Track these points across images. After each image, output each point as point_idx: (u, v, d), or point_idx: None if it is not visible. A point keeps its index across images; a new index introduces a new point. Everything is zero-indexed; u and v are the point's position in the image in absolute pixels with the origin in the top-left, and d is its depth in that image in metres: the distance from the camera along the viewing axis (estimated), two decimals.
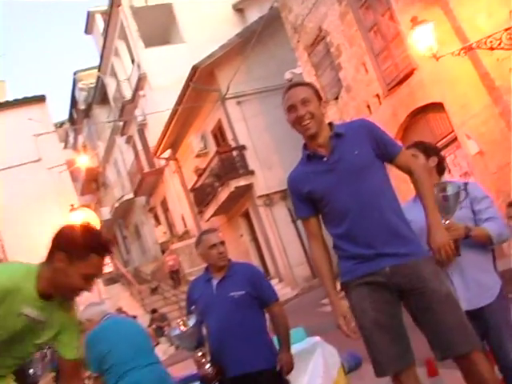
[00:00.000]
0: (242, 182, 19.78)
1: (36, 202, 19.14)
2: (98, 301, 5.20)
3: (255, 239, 21.05)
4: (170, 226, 28.77)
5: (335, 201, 3.02)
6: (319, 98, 3.18)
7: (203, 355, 4.08)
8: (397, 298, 2.98)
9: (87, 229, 2.80)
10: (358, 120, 3.34)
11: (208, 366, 4.05)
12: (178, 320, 4.19)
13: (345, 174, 3.00)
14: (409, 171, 3.12)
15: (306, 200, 3.11)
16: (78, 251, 2.72)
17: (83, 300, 3.82)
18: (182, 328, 4.02)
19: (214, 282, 4.24)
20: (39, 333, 2.88)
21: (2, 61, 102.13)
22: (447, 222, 3.24)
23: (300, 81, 2.99)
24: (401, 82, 12.82)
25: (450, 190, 3.24)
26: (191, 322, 4.00)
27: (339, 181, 3.00)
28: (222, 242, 4.31)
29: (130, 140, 30.68)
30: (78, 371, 3.02)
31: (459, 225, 3.25)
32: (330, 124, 3.18)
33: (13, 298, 2.73)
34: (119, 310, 18.73)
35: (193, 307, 4.14)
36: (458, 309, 2.96)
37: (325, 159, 3.08)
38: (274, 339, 4.30)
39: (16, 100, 20.96)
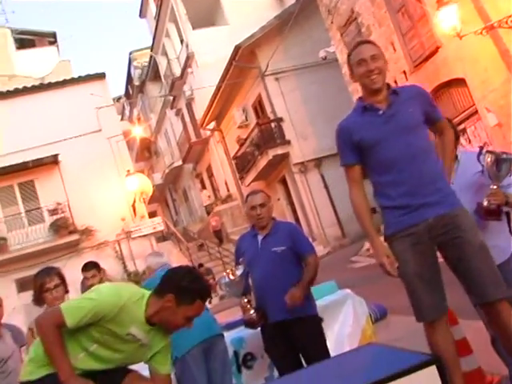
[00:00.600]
0: (279, 150, 19.73)
1: (97, 168, 19.39)
2: (160, 252, 5.21)
3: (291, 203, 21.04)
4: (215, 190, 28.87)
5: (387, 149, 2.99)
6: (385, 58, 3.15)
7: (248, 302, 4.11)
8: (435, 250, 2.96)
9: (195, 277, 2.93)
10: (411, 85, 3.34)
11: (252, 311, 4.08)
12: (227, 270, 4.22)
13: (398, 127, 2.98)
14: (441, 133, 3.15)
15: (354, 148, 3.08)
16: (186, 297, 2.84)
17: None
18: (231, 277, 4.05)
19: (259, 237, 4.22)
20: (139, 353, 2.96)
21: (69, 42, 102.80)
22: (495, 187, 3.20)
23: (368, 39, 2.96)
24: (426, 60, 12.62)
25: (503, 161, 3.19)
26: (239, 271, 4.03)
27: (392, 132, 2.99)
28: (262, 205, 4.21)
29: (179, 113, 30.71)
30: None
31: (502, 192, 3.21)
32: (387, 84, 3.14)
33: (125, 317, 2.82)
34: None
35: (241, 259, 4.14)
36: (491, 259, 2.94)
37: (381, 112, 3.04)
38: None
39: (80, 77, 21.10)
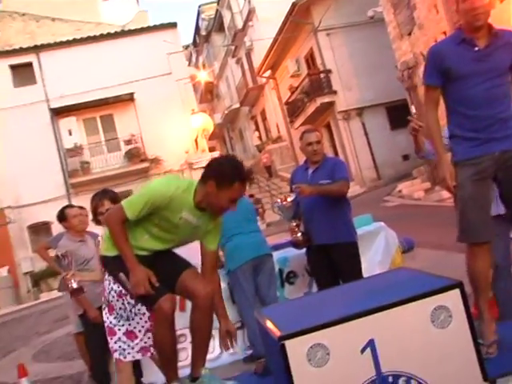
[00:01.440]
0: (326, 99, 19.44)
1: (166, 106, 19.62)
2: None
3: (333, 146, 20.84)
4: (267, 131, 28.71)
5: (472, 86, 2.80)
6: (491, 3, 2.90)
7: (297, 225, 4.11)
8: (493, 183, 2.85)
9: (233, 162, 2.84)
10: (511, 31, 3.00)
11: (299, 234, 4.10)
12: (281, 196, 4.20)
13: (489, 68, 2.79)
14: None
15: (441, 72, 2.84)
16: (225, 181, 2.77)
17: None
18: (284, 202, 4.06)
19: (310, 170, 4.19)
20: (193, 234, 3.01)
21: None
22: None
23: None
24: None
25: None
26: (291, 198, 4.03)
27: (482, 72, 2.78)
28: (318, 142, 4.15)
29: (239, 61, 30.30)
30: (216, 260, 3.17)
31: None
32: (489, 24, 2.88)
33: (176, 204, 2.83)
34: None
35: (294, 186, 4.09)
36: None
37: (476, 49, 2.81)
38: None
39: (155, 26, 21.14)
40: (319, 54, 19.96)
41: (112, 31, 21.15)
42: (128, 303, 3.03)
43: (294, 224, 4.12)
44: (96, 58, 19.53)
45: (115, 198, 3.77)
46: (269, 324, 2.42)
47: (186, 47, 37.83)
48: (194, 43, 38.93)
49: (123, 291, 2.98)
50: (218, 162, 2.87)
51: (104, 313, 3.11)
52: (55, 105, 19.54)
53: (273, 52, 22.43)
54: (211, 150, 25.01)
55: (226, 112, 32.47)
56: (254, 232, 4.37)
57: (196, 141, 20.59)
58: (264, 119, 28.85)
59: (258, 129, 29.76)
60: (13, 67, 20.01)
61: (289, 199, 4.04)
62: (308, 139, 4.16)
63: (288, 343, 2.11)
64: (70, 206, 4.78)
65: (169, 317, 2.84)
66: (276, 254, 4.64)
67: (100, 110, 19.71)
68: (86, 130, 20.11)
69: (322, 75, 19.71)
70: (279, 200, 4.15)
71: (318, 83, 19.62)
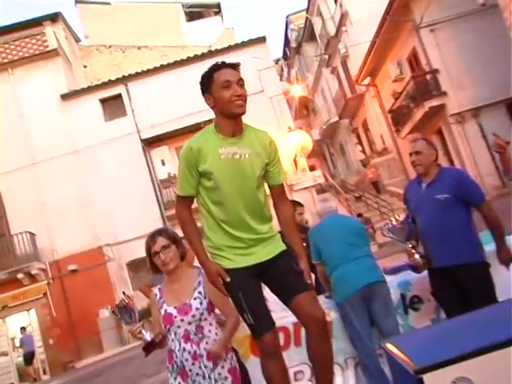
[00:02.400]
0: (435, 102, 18.82)
1: (260, 125, 19.56)
2: (326, 196, 5.17)
3: (447, 153, 20.08)
4: (370, 143, 28.34)
5: None
6: None
7: (413, 247, 3.97)
8: None
9: (208, 69, 3.10)
10: None
11: (418, 256, 3.95)
12: (391, 218, 4.11)
13: None
14: None
15: None
16: (208, 82, 3.05)
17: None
18: (394, 223, 3.95)
19: (424, 184, 4.05)
20: (249, 167, 3.06)
21: (231, 11, 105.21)
22: None
23: None
24: None
25: None
26: (401, 218, 3.95)
27: None
28: (417, 152, 4.01)
29: (334, 71, 30.32)
30: (285, 191, 3.32)
31: None
32: None
33: (207, 148, 3.02)
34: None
35: (404, 206, 4.06)
36: None
37: None
38: (482, 235, 4.04)
39: (242, 42, 21.67)
40: (423, 54, 19.48)
41: (198, 53, 21.91)
42: (205, 366, 2.97)
43: (410, 245, 3.99)
44: (184, 82, 20.26)
45: (172, 236, 3.49)
46: (400, 356, 2.33)
47: (277, 61, 38.48)
48: (285, 56, 39.53)
49: (198, 351, 2.96)
50: (202, 76, 3.13)
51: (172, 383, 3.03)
52: (146, 135, 20.48)
53: (371, 57, 22.21)
54: (311, 168, 25.02)
55: (324, 127, 32.50)
56: (361, 258, 4.29)
57: (295, 160, 20.69)
58: (366, 131, 28.54)
59: (360, 142, 29.49)
60: (103, 101, 21.24)
61: (400, 218, 3.97)
62: (410, 149, 4.09)
63: (427, 377, 2.00)
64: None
65: (274, 351, 2.89)
66: (396, 278, 4.54)
67: (192, 136, 20.41)
68: (179, 158, 20.81)
69: (428, 76, 19.19)
70: (389, 222, 4.06)
71: (424, 86, 19.12)
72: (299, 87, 27.32)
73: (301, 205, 5.82)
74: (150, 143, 20.54)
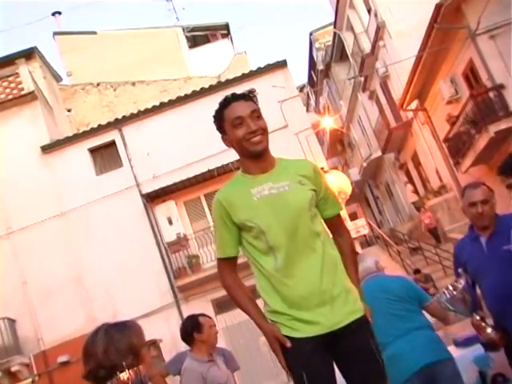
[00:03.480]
0: (502, 125, 18.62)
1: None
2: (362, 255, 5.32)
3: None
4: (424, 181, 28.25)
5: None
6: None
7: (482, 319, 3.90)
8: None
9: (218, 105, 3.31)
10: None
11: (490, 330, 3.87)
12: (448, 285, 4.03)
13: None
14: None
15: None
16: (219, 121, 3.28)
17: None
18: (452, 292, 3.89)
19: (483, 240, 3.99)
20: (293, 198, 3.17)
21: (242, 33, 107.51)
22: None
23: None
24: None
25: None
26: (461, 285, 3.86)
27: None
28: (484, 201, 4.01)
29: (372, 95, 30.55)
30: (343, 222, 3.49)
31: None
32: None
33: (237, 198, 3.21)
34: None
35: (460, 270, 3.95)
36: None
37: None
38: None
39: (258, 69, 21.99)
40: (483, 66, 19.45)
41: (206, 85, 22.29)
42: None
43: (478, 317, 3.92)
44: (190, 121, 20.62)
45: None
46: None
47: (301, 89, 38.99)
48: (311, 82, 40.05)
49: None
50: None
51: None
52: (148, 189, 20.60)
53: (417, 75, 22.29)
54: (352, 217, 24.95)
55: (365, 164, 32.55)
56: (416, 330, 4.24)
57: None
58: (418, 166, 28.47)
59: (411, 180, 29.39)
60: (93, 151, 21.59)
61: (459, 285, 3.90)
62: (470, 198, 4.06)
63: None
64: (202, 314, 5.04)
65: None
66: (471, 352, 4.53)
67: (204, 186, 20.52)
68: (188, 215, 21.03)
69: (491, 93, 19.13)
70: (445, 291, 3.98)
71: (486, 105, 19.03)
72: (331, 118, 27.49)
73: None
74: (152, 198, 20.68)
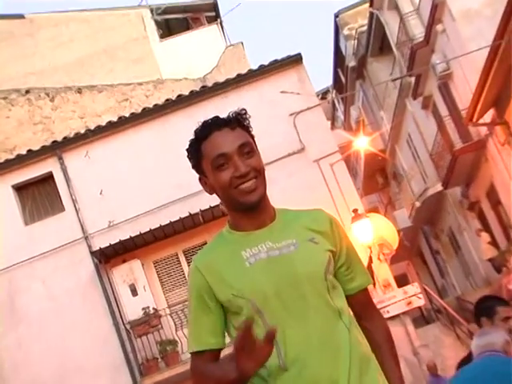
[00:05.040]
0: None
1: (304, 206, 19.74)
2: (486, 330, 5.48)
3: None
4: (505, 227, 28.18)
5: None
6: None
7: None
8: None
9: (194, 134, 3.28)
10: None
11: None
12: None
13: None
14: None
15: None
16: (196, 157, 3.26)
17: None
18: None
19: None
20: (303, 262, 3.13)
21: (236, 16, 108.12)
22: None
23: None
24: None
25: None
26: None
27: None
28: None
29: (427, 103, 30.64)
30: (371, 299, 3.45)
31: None
32: None
33: (222, 264, 3.16)
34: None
35: None
36: None
37: None
38: None
39: (262, 67, 21.97)
40: None
41: (185, 91, 22.36)
42: None
43: None
44: (162, 144, 20.75)
45: None
46: None
47: (324, 95, 38.93)
48: (337, 85, 40.13)
49: None
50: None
51: None
52: (101, 243, 20.38)
53: (493, 72, 22.33)
54: (401, 281, 24.87)
55: (418, 204, 32.54)
56: None
57: (370, 268, 20.51)
58: (496, 205, 28.41)
59: (486, 227, 29.31)
60: (19, 188, 21.62)
61: None
62: None
63: None
64: None
65: None
66: None
67: (183, 239, 20.58)
68: (161, 280, 21.02)
69: None
70: None
71: None
72: (367, 138, 27.41)
73: (507, 303, 6.14)
74: (108, 257, 20.64)
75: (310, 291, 3.08)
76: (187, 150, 3.25)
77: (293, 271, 3.08)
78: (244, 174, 3.09)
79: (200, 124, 3.23)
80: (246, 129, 3.24)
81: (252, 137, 3.25)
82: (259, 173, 3.17)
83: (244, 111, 3.24)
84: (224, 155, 3.12)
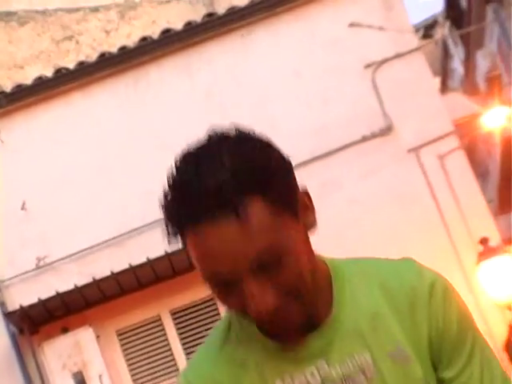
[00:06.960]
0: None
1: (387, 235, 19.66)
2: None
3: None
4: None
5: None
6: None
7: None
8: None
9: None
10: None
11: None
12: None
13: None
14: None
15: None
16: (171, 223, 3.08)
17: None
18: None
19: None
20: None
21: None
22: None
23: None
24: None
25: None
26: None
27: None
28: None
29: None
30: None
31: None
32: None
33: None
34: None
35: None
36: None
37: None
38: None
39: None
40: None
41: (176, 24, 21.82)
42: None
43: None
44: (136, 114, 20.23)
45: None
46: None
47: (427, 31, 38.92)
48: (452, 13, 40.43)
49: None
50: None
51: None
52: (23, 297, 20.04)
53: None
54: None
55: None
56: None
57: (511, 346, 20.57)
58: None
59: None
60: None
61: None
62: None
63: None
64: None
65: None
66: None
67: (171, 291, 20.30)
68: (130, 363, 20.65)
69: None
70: None
71: None
72: (506, 110, 26.30)
73: None
74: (35, 323, 20.33)
75: None
76: (166, 227, 2.92)
77: None
78: (268, 312, 2.87)
79: (178, 168, 2.84)
80: (273, 196, 2.74)
81: (287, 200, 2.76)
82: (299, 292, 2.92)
83: (266, 154, 2.75)
84: (223, 279, 2.90)
